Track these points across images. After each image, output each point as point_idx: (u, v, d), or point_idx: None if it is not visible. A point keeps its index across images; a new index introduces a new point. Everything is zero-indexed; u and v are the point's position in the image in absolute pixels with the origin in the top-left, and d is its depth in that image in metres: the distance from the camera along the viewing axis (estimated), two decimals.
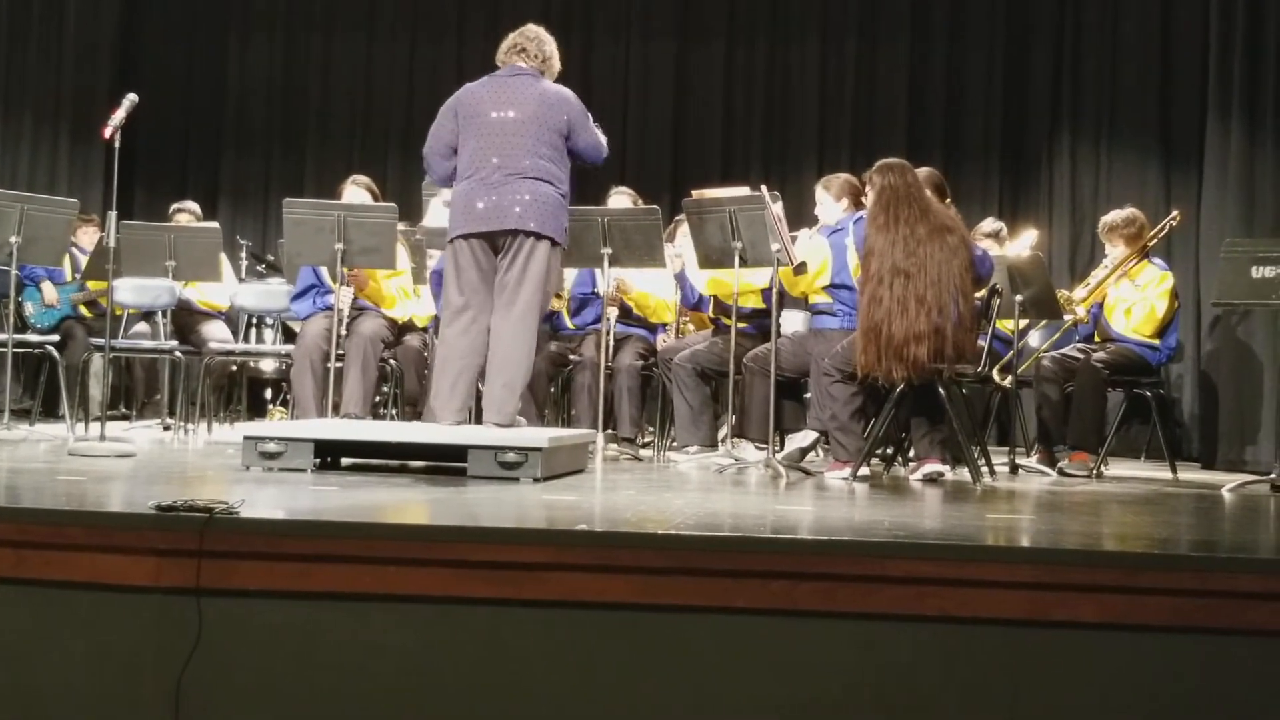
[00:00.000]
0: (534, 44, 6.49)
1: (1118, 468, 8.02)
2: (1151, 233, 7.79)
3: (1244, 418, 8.18)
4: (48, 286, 9.26)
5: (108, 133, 6.34)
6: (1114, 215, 7.81)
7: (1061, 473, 7.23)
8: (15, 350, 7.68)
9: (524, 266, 6.21)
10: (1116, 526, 4.90)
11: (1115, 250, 7.72)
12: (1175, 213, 8.20)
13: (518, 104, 6.32)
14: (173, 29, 12.30)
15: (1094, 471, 7.22)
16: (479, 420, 6.50)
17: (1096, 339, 7.67)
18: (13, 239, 7.16)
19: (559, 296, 7.74)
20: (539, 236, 6.22)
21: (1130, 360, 7.46)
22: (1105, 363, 7.38)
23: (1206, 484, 7.17)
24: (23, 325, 9.08)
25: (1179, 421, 9.36)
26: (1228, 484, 6.75)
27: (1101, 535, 4.54)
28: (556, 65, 6.58)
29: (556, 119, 6.34)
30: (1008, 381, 7.50)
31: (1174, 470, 7.59)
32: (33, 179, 10.79)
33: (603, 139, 6.56)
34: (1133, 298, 7.53)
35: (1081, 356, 7.47)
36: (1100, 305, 7.65)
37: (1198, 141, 9.16)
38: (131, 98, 6.51)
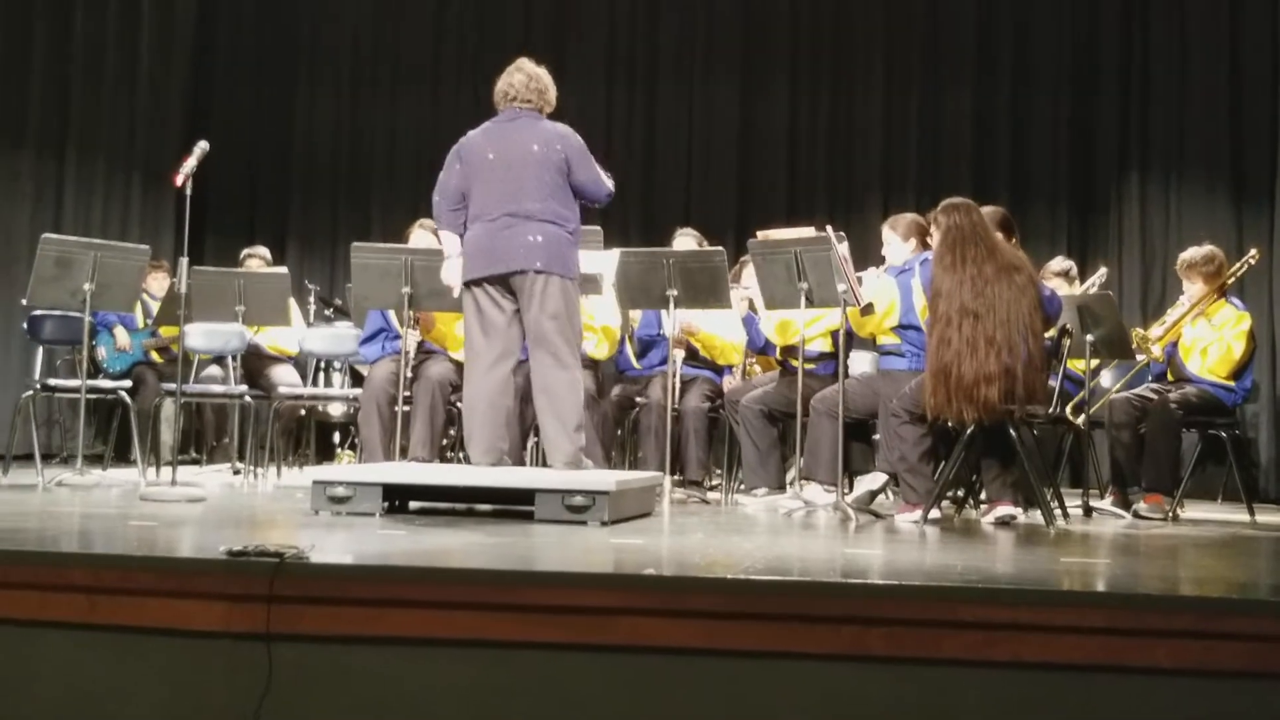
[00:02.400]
0: (525, 87, 6.53)
1: (1194, 510, 7.90)
2: (1230, 271, 7.69)
3: None
4: (120, 332, 9.36)
5: (179, 180, 6.42)
6: (1193, 252, 7.70)
7: (1136, 515, 7.13)
8: (88, 396, 7.75)
9: (541, 305, 6.27)
10: (1193, 570, 4.82)
11: (1193, 288, 7.61)
12: (1254, 251, 8.10)
13: (518, 146, 6.41)
14: (243, 78, 12.48)
15: (1169, 514, 7.12)
16: (519, 462, 6.51)
17: (1170, 378, 7.57)
18: (86, 286, 7.24)
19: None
20: (549, 274, 6.27)
21: (1205, 401, 7.35)
22: (1179, 403, 7.28)
23: None
24: (96, 371, 9.18)
25: (1255, 462, 9.23)
26: None
27: (1178, 579, 4.48)
28: (553, 98, 6.62)
29: (556, 157, 6.39)
30: (1080, 420, 7.42)
31: (1251, 512, 7.47)
32: (105, 226, 10.94)
33: (606, 179, 6.56)
34: (1209, 338, 7.42)
35: (1155, 397, 7.37)
36: (1175, 344, 7.55)
37: (1269, 179, 9.09)
38: (203, 146, 6.59)
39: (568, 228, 6.40)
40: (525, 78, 6.55)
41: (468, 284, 6.42)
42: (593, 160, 6.54)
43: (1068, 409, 7.26)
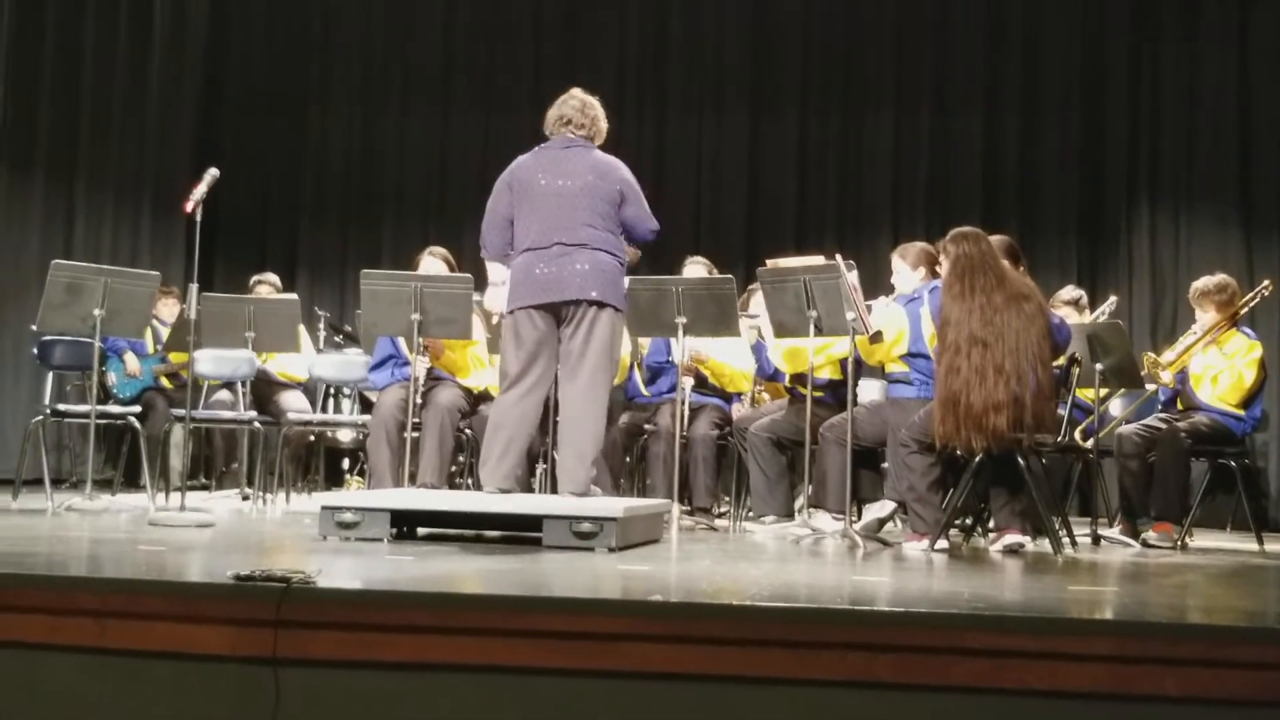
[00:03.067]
0: (579, 113, 6.52)
1: (1202, 539, 7.89)
2: (1242, 301, 7.69)
3: None
4: (130, 358, 9.38)
5: (189, 206, 6.44)
6: (1206, 281, 7.68)
7: (1145, 544, 7.12)
8: (98, 421, 7.77)
9: (588, 335, 6.24)
10: (1201, 599, 4.81)
11: (1205, 316, 7.60)
12: (1267, 282, 8.07)
13: (572, 175, 6.36)
14: (252, 105, 12.52)
15: (1178, 543, 7.11)
16: (526, 489, 6.50)
17: (1179, 407, 7.56)
18: (96, 311, 7.26)
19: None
20: (602, 305, 6.24)
21: (1214, 430, 7.34)
22: (1189, 432, 7.27)
23: None
24: (105, 396, 9.20)
25: (1265, 492, 9.21)
26: None
27: (1186, 607, 4.47)
28: (604, 128, 6.61)
29: (609, 189, 6.37)
30: (1089, 444, 7.41)
31: (1260, 541, 7.45)
32: (115, 252, 10.97)
33: (651, 217, 6.55)
34: (1220, 365, 7.41)
35: (1164, 426, 7.36)
36: (1185, 374, 7.53)
37: (1279, 209, 9.07)
38: (213, 172, 6.61)
39: (620, 258, 6.38)
40: (580, 104, 6.54)
41: (513, 310, 6.38)
42: (642, 197, 6.52)
43: (1077, 431, 7.25)
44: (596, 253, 6.27)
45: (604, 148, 6.58)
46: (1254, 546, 7.39)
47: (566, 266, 6.23)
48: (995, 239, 6.68)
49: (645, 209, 6.49)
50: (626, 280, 7.25)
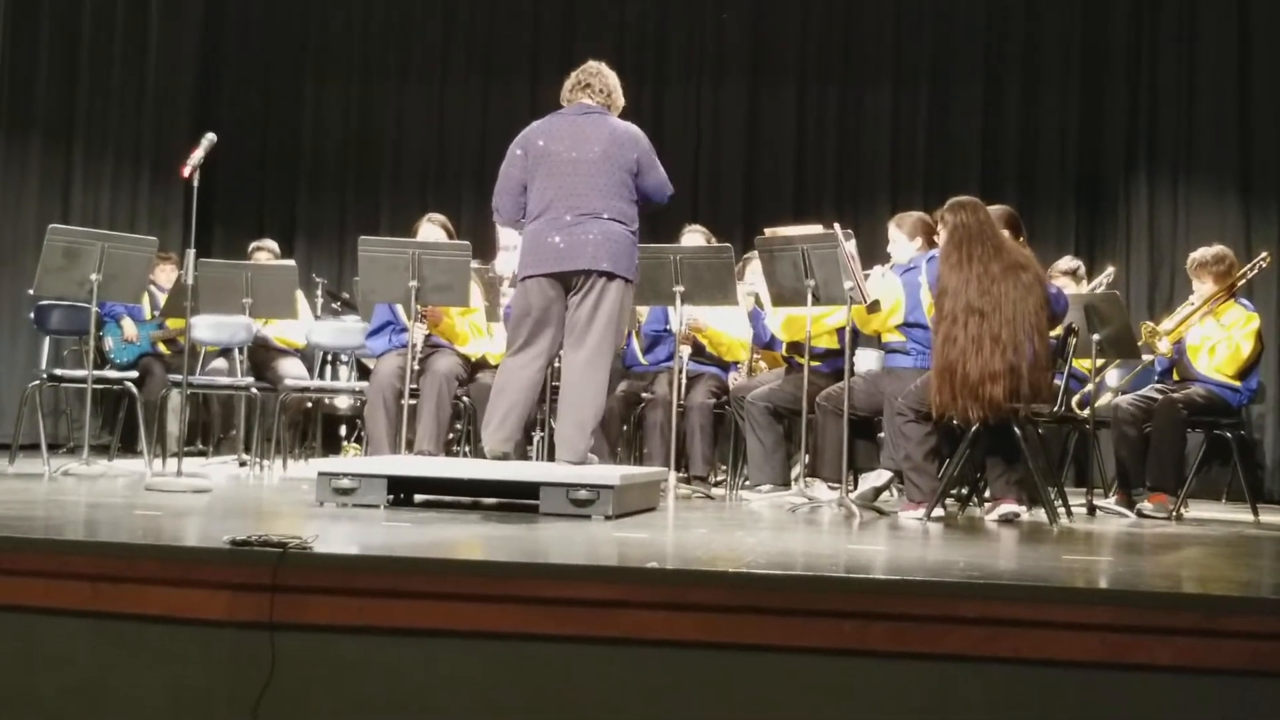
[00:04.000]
0: (598, 79, 6.50)
1: (1198, 510, 7.90)
2: (1240, 272, 7.68)
3: None
4: (127, 323, 9.37)
5: (187, 172, 6.42)
6: (1204, 252, 7.67)
7: (1140, 514, 7.13)
8: (95, 386, 7.77)
9: (595, 305, 6.22)
10: (1196, 569, 4.83)
11: (1203, 287, 7.59)
12: (1265, 254, 8.06)
13: (588, 142, 6.32)
14: (251, 70, 12.48)
15: (1173, 513, 7.11)
16: (523, 457, 6.50)
17: (1176, 378, 7.57)
18: (93, 276, 7.26)
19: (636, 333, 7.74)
20: (612, 276, 6.22)
21: (1211, 401, 7.34)
22: (1185, 403, 7.27)
23: None
24: (102, 361, 9.19)
25: (1260, 463, 9.22)
26: None
27: (1180, 577, 4.48)
28: (621, 100, 6.60)
29: (627, 157, 6.34)
30: (1085, 414, 7.43)
31: (1255, 512, 7.47)
32: (114, 217, 10.95)
33: (666, 180, 6.55)
34: (1218, 336, 7.41)
35: (1160, 396, 7.37)
36: (1182, 344, 7.53)
37: (1278, 181, 9.06)
38: (210, 137, 6.58)
39: (631, 228, 6.36)
40: (597, 70, 6.53)
41: (524, 278, 6.36)
42: (658, 164, 6.51)
43: (1073, 403, 7.26)
44: (609, 223, 6.25)
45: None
46: (1249, 517, 7.41)
47: (579, 236, 6.20)
48: (996, 209, 6.68)
49: (662, 176, 6.48)
50: None
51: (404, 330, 7.63)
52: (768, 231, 7.17)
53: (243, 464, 8.48)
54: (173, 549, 3.88)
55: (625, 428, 8.30)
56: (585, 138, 6.34)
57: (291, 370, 8.97)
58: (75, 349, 9.67)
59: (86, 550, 3.79)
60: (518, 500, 5.83)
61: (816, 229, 7.02)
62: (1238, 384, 7.40)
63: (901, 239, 7.15)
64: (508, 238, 6.55)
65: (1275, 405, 9.06)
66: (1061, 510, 6.62)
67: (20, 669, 3.70)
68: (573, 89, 6.52)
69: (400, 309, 7.69)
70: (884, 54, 11.54)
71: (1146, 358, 7.78)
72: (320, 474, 5.81)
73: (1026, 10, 11.30)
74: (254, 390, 8.59)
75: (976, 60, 11.32)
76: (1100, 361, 7.64)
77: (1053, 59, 11.19)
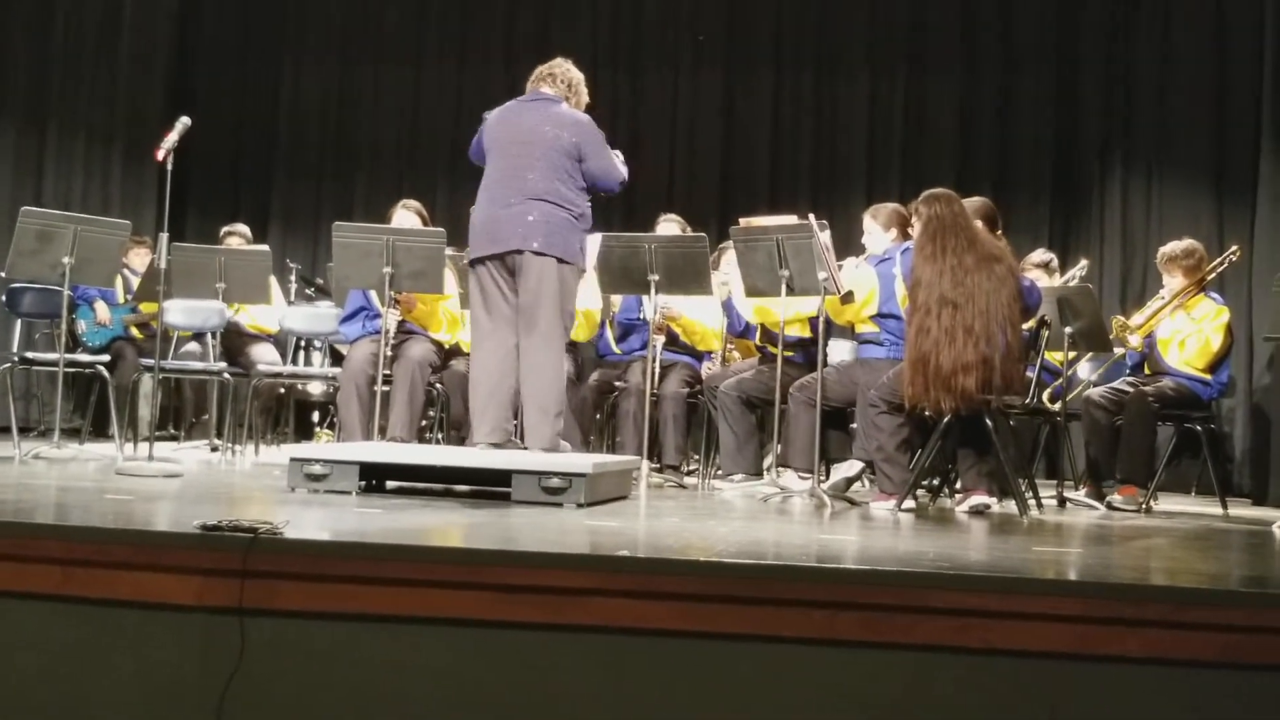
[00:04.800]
0: (561, 73, 6.64)
1: (1167, 503, 7.95)
2: (1210, 266, 7.72)
3: None
4: (100, 306, 9.34)
5: (160, 155, 6.40)
6: (1173, 246, 7.71)
7: (1110, 507, 7.16)
8: (67, 370, 7.73)
9: (536, 288, 6.30)
10: (1164, 561, 4.85)
11: (1173, 281, 7.63)
12: (1235, 248, 8.10)
13: (531, 127, 6.45)
14: (226, 54, 12.42)
15: (1143, 506, 7.15)
16: (524, 440, 6.52)
17: (1147, 371, 7.60)
18: (66, 259, 7.23)
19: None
20: (547, 256, 6.29)
21: (1181, 394, 7.38)
22: (1156, 396, 7.31)
23: (1258, 520, 7.09)
24: (74, 345, 9.15)
25: (1230, 457, 9.26)
26: (1279, 520, 6.67)
27: (1149, 570, 4.50)
28: (584, 97, 6.70)
29: (568, 141, 6.41)
30: (1057, 406, 7.45)
31: (1224, 506, 7.51)
32: (86, 200, 10.89)
33: (620, 167, 6.57)
34: (1188, 330, 7.45)
35: (1132, 389, 7.40)
36: (1153, 338, 7.57)
37: (1251, 175, 9.09)
38: (184, 121, 6.56)
39: (573, 211, 6.41)
40: (562, 64, 6.68)
41: (472, 263, 6.44)
42: (607, 149, 6.55)
43: (1044, 396, 7.28)
44: (548, 205, 6.34)
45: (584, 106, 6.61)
46: (1218, 510, 7.45)
47: (515, 218, 6.32)
48: (973, 201, 6.69)
49: (609, 161, 6.52)
50: (597, 237, 7.26)
51: (378, 316, 7.61)
52: (743, 221, 7.18)
53: (214, 449, 8.45)
54: (143, 534, 3.86)
55: (598, 416, 8.31)
56: (529, 123, 6.47)
57: (264, 355, 8.95)
58: (47, 332, 9.61)
59: (57, 534, 3.77)
60: (490, 488, 5.82)
61: (792, 219, 7.03)
62: (1208, 377, 7.45)
63: (876, 230, 7.17)
64: None
65: (1245, 399, 9.10)
66: (1032, 502, 6.64)
67: None
68: (535, 80, 6.66)
69: (374, 295, 7.67)
70: (860, 45, 11.53)
71: (1118, 351, 7.81)
72: (292, 460, 5.79)
73: (1001, 3, 11.30)
74: (226, 375, 8.57)
75: (953, 53, 11.33)
76: (1072, 354, 7.67)
77: (1028, 51, 11.20)
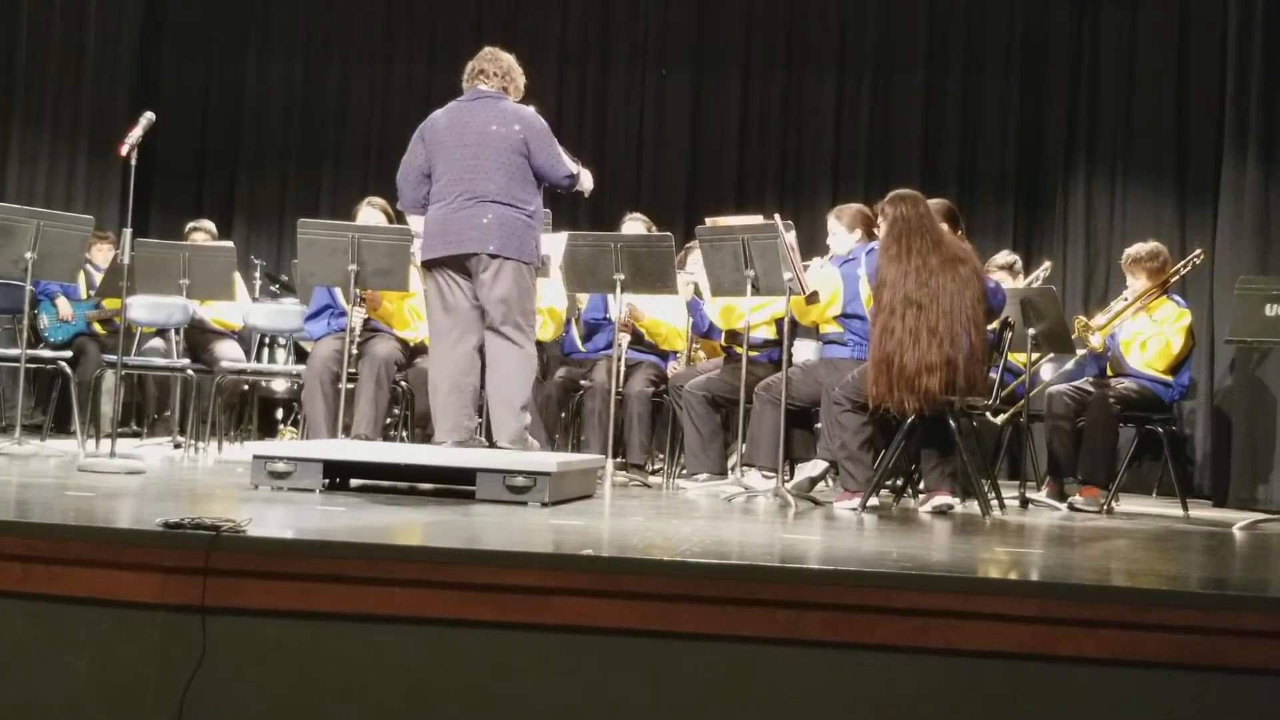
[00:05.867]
0: (493, 64, 6.60)
1: (1129, 504, 7.99)
2: (1173, 269, 7.76)
3: (1256, 456, 8.14)
4: (62, 302, 9.28)
5: (125, 151, 6.36)
6: (1138, 248, 7.76)
7: (1072, 507, 7.20)
8: (28, 365, 7.69)
9: (492, 287, 6.32)
10: (1124, 562, 4.88)
11: (1136, 283, 7.68)
12: (1199, 251, 8.15)
13: (477, 127, 6.44)
14: (191, 49, 12.35)
15: (1104, 507, 7.19)
16: (487, 435, 6.53)
17: (1110, 373, 7.65)
18: (28, 254, 7.18)
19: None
20: (503, 258, 6.31)
21: (1143, 396, 7.43)
22: (1118, 397, 7.35)
23: (1218, 521, 7.14)
24: (36, 340, 9.10)
25: (1191, 458, 9.31)
26: (1239, 522, 6.72)
27: (1109, 571, 4.53)
28: (520, 80, 6.67)
29: (514, 137, 6.41)
30: (1018, 406, 7.49)
31: (1185, 507, 7.55)
32: (50, 195, 10.80)
33: (568, 162, 6.57)
34: (1150, 331, 7.50)
35: (1094, 390, 7.45)
36: (1115, 339, 7.61)
37: (1213, 178, 9.15)
38: (149, 116, 6.53)
39: (525, 210, 6.42)
40: (491, 55, 6.63)
41: (428, 265, 6.45)
42: (555, 143, 6.54)
43: (1005, 394, 7.32)
44: (501, 207, 6.36)
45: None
46: (1179, 512, 7.49)
47: (470, 220, 6.34)
48: (935, 202, 6.72)
49: (556, 154, 6.52)
50: (563, 235, 7.26)
51: (343, 314, 7.59)
52: (709, 221, 7.19)
53: (177, 446, 8.41)
54: (105, 531, 3.84)
55: (563, 415, 8.31)
56: (474, 122, 6.46)
57: (228, 352, 8.91)
58: (9, 328, 9.55)
59: (17, 531, 3.75)
60: (454, 486, 5.82)
61: (757, 219, 7.05)
62: (1169, 379, 7.50)
63: (841, 231, 7.19)
64: (417, 225, 6.62)
65: (1206, 401, 9.16)
66: (994, 502, 6.67)
67: None
68: (470, 76, 6.64)
69: (339, 292, 7.65)
70: (827, 45, 11.55)
71: (1081, 352, 7.85)
72: (255, 457, 5.77)
73: (969, 4, 11.35)
74: (190, 372, 8.53)
75: (919, 54, 11.37)
76: (1035, 356, 7.70)
77: (995, 54, 11.26)
